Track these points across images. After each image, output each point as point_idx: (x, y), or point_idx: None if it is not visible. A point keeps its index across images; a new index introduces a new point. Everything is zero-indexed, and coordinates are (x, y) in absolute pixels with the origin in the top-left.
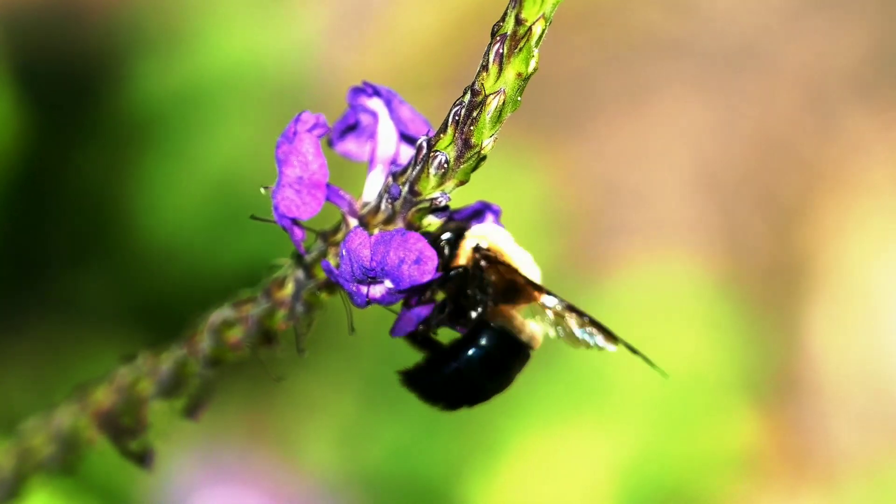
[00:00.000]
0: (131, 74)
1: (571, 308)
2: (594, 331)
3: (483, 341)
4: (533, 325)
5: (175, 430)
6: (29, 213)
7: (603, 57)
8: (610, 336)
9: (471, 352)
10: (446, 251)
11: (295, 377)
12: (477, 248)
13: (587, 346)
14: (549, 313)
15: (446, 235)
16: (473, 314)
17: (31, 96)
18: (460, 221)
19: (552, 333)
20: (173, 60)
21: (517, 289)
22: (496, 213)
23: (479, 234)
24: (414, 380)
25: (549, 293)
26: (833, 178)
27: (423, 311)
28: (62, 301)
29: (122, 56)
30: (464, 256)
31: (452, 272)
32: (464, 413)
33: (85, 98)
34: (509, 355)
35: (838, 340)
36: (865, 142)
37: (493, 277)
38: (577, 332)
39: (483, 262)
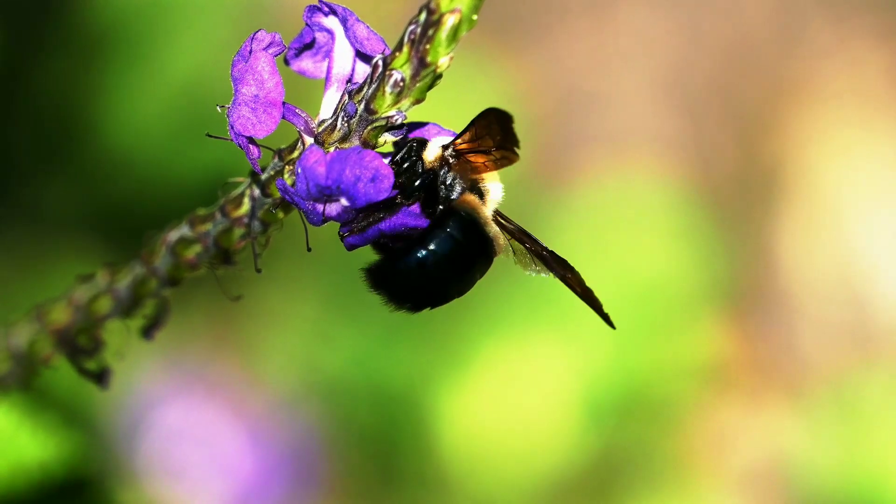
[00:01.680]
0: None
1: (527, 234)
2: (549, 262)
3: (451, 226)
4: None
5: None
6: None
7: None
8: (565, 270)
9: (440, 236)
10: (409, 163)
11: (256, 288)
12: (445, 147)
13: (540, 271)
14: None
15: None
16: (440, 207)
17: None
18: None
19: (509, 255)
20: None
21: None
22: (439, 127)
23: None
24: (378, 274)
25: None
26: (799, 86)
27: (381, 227)
28: (25, 209)
29: None
30: (428, 163)
31: (419, 180)
32: (427, 323)
33: (50, 7)
34: (476, 245)
35: (805, 249)
36: (830, 50)
37: (459, 171)
38: (532, 257)
39: (451, 159)
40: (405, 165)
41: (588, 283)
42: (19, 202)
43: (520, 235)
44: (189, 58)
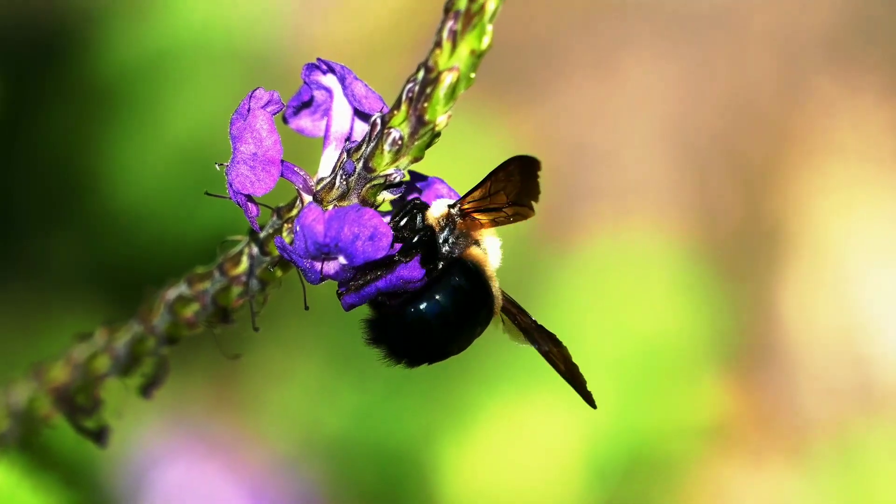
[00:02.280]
0: (100, 38)
1: (516, 304)
2: (535, 336)
3: (457, 276)
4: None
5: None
6: None
7: (570, 18)
8: (552, 344)
9: (445, 286)
10: (408, 221)
11: (256, 347)
12: (451, 206)
13: (526, 343)
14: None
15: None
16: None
17: None
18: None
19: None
20: (142, 24)
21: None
22: (448, 188)
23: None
24: (379, 325)
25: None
26: (803, 141)
27: (379, 284)
28: (28, 264)
29: (92, 19)
30: (431, 219)
31: (417, 236)
32: (429, 380)
33: (53, 61)
34: (480, 298)
35: (808, 305)
36: (835, 105)
37: (463, 228)
38: (519, 328)
39: (457, 219)
40: (403, 223)
41: (578, 357)
42: (20, 257)
43: (508, 305)
44: (192, 114)
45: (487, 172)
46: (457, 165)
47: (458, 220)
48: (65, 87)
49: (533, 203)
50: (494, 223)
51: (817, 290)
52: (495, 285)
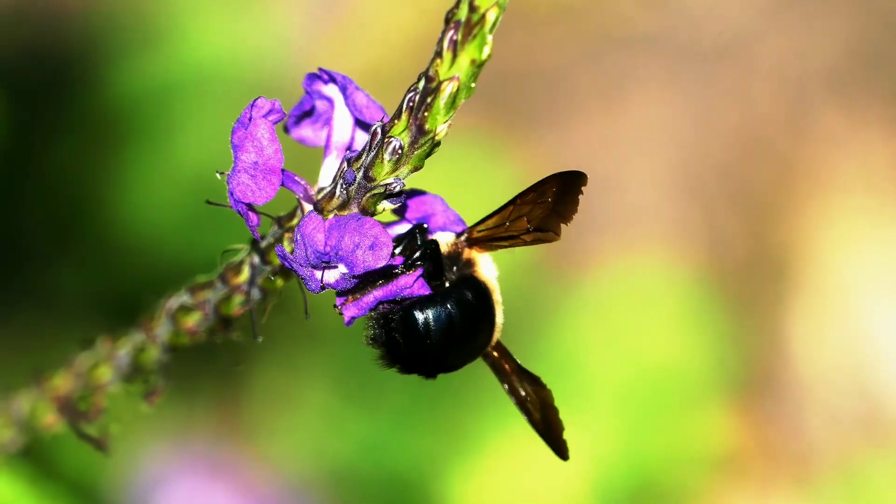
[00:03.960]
0: (109, 68)
1: (501, 346)
2: (518, 377)
3: (469, 291)
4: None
5: (144, 421)
6: (5, 205)
7: (578, 51)
8: (535, 386)
9: (457, 296)
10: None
11: (264, 371)
12: (458, 235)
13: (508, 386)
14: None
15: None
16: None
17: (8, 91)
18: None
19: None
20: (151, 55)
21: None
22: (444, 204)
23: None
24: (383, 323)
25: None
26: (809, 173)
27: (377, 293)
28: (37, 292)
29: (100, 50)
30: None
31: (420, 251)
32: (437, 408)
33: (63, 91)
34: (484, 318)
35: (814, 335)
36: (840, 138)
37: (468, 258)
38: (502, 369)
39: (465, 246)
40: (406, 242)
41: (557, 404)
42: (28, 285)
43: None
44: (200, 143)
45: (507, 199)
46: (463, 195)
47: (465, 248)
48: (74, 117)
49: (563, 225)
50: (500, 246)
51: (823, 321)
52: (499, 313)
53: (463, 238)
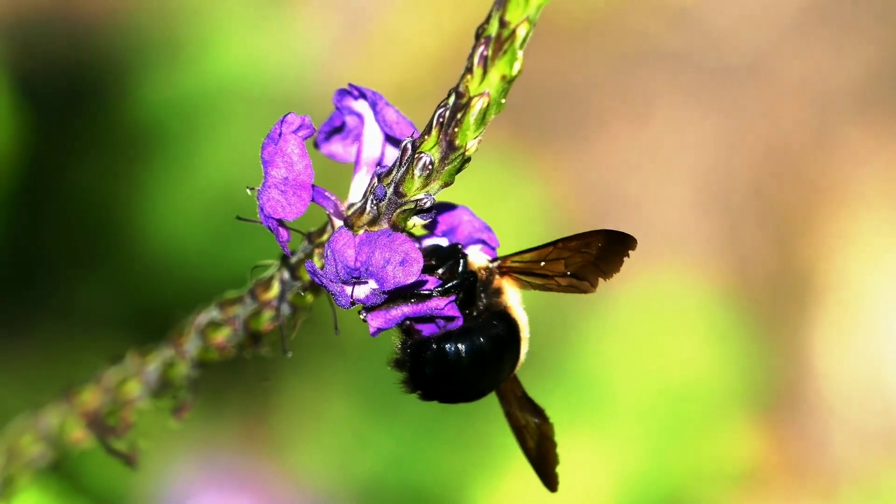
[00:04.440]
0: (134, 82)
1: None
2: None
3: (502, 327)
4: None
5: (170, 436)
6: (30, 219)
7: (603, 67)
8: (538, 418)
9: (490, 331)
10: (455, 265)
11: (290, 386)
12: (491, 261)
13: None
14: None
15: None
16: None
17: (33, 104)
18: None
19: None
20: (176, 69)
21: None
22: (471, 213)
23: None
24: (412, 351)
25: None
26: (834, 191)
27: (405, 309)
28: (62, 307)
29: (125, 64)
30: (473, 268)
31: (459, 280)
32: (462, 423)
33: (87, 106)
34: (511, 353)
35: (839, 353)
36: (866, 156)
37: (497, 286)
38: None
39: (497, 273)
40: (446, 266)
41: (558, 440)
42: (53, 301)
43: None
44: (224, 158)
45: (531, 214)
46: (490, 212)
47: (497, 275)
48: (98, 132)
49: (600, 279)
50: (537, 287)
51: (848, 337)
52: (524, 347)
53: (496, 265)
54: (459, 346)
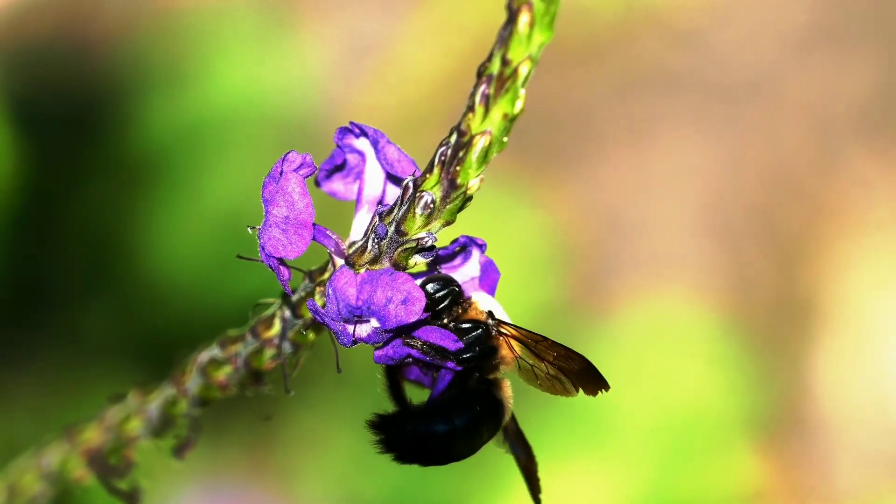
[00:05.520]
0: (135, 109)
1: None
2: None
3: (483, 405)
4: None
5: (173, 467)
6: (33, 247)
7: (605, 90)
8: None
9: (468, 409)
10: (452, 306)
11: (292, 413)
12: (490, 314)
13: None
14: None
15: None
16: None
17: (33, 132)
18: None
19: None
20: (179, 95)
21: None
22: (482, 248)
23: (481, 300)
24: (388, 423)
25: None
26: (837, 214)
27: (413, 353)
28: (65, 335)
29: (127, 91)
30: (475, 313)
31: (471, 326)
32: None
33: (89, 133)
34: (490, 427)
35: (842, 377)
36: (869, 179)
37: (494, 343)
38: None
39: (493, 329)
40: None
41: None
42: (56, 327)
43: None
44: (228, 183)
45: (533, 238)
46: (493, 240)
47: (493, 330)
48: (101, 157)
49: (578, 389)
50: (527, 367)
51: (851, 362)
52: (507, 417)
53: (493, 322)
54: (438, 428)
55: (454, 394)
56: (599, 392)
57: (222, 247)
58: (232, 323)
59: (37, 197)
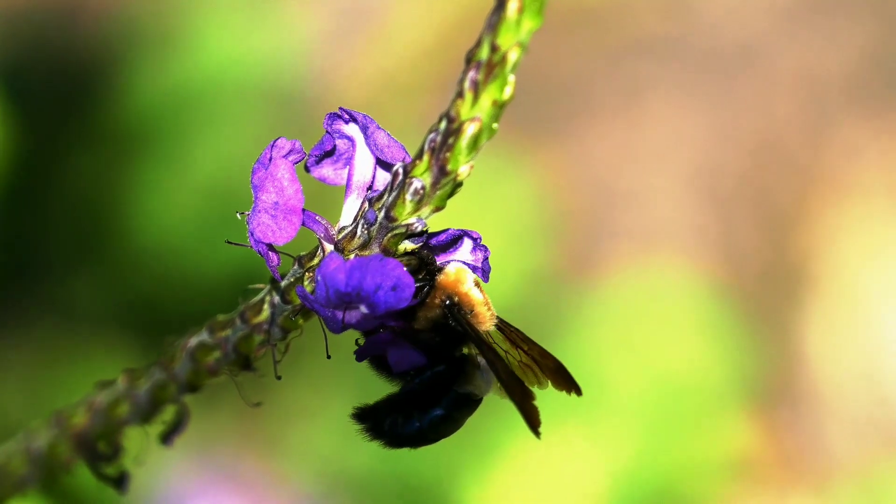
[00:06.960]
0: (125, 78)
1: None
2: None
3: (448, 405)
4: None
5: (162, 454)
6: (22, 217)
7: (597, 59)
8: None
9: (434, 414)
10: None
11: (282, 385)
12: (449, 299)
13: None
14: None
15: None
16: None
17: (22, 100)
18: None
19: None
20: (167, 64)
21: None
22: (475, 240)
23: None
24: (369, 414)
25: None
26: (828, 182)
27: (389, 335)
28: (56, 304)
29: (116, 59)
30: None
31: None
32: None
33: (78, 102)
34: (466, 412)
35: (833, 345)
36: (859, 146)
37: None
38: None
39: (448, 314)
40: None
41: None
42: (48, 298)
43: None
44: (217, 153)
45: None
46: (482, 208)
47: (455, 305)
48: (90, 126)
49: (548, 382)
50: (502, 353)
51: (842, 330)
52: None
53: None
54: (416, 422)
55: (429, 377)
56: (571, 393)
57: (209, 215)
58: (219, 289)
59: (24, 167)
